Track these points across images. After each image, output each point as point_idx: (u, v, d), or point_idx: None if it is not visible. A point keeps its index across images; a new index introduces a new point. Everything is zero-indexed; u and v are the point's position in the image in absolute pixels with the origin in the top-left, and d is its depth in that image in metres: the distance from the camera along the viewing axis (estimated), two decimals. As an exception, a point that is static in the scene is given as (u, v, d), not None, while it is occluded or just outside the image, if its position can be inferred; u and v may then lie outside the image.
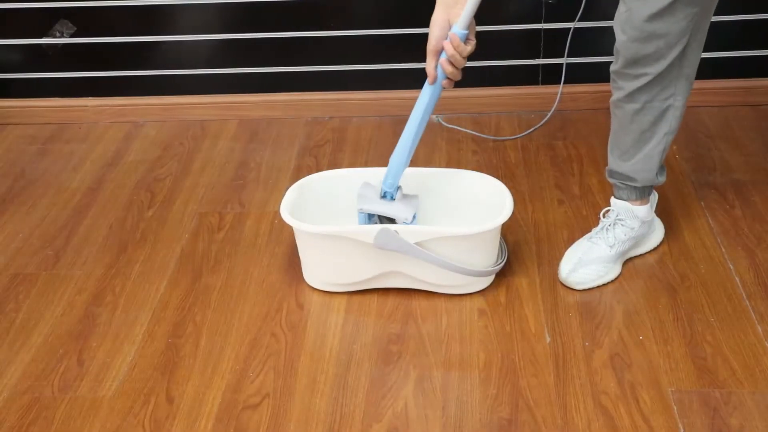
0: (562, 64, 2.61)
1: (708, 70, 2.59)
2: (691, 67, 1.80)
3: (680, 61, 1.77)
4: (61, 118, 2.74)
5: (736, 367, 1.71)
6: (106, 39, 2.65)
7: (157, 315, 1.91)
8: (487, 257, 1.91)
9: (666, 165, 2.35)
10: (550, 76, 2.64)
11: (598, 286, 1.91)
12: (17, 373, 1.77)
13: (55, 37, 2.64)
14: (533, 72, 2.65)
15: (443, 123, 2.61)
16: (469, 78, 2.66)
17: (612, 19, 2.67)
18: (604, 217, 1.96)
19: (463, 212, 2.02)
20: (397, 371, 1.74)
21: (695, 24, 1.72)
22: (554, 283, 1.94)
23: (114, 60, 2.68)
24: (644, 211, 1.94)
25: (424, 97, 1.83)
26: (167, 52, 2.67)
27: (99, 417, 1.66)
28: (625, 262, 1.98)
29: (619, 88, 1.82)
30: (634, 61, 1.75)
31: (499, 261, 1.94)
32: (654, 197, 1.98)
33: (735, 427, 1.58)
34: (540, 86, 2.66)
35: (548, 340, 1.79)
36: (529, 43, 2.60)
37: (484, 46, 2.62)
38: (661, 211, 2.12)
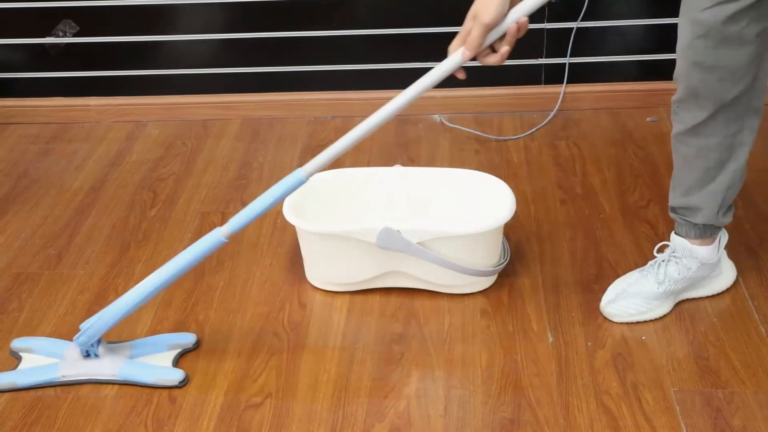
0: (564, 63, 2.61)
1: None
2: (760, 99, 1.66)
3: (748, 94, 1.63)
4: (63, 117, 2.74)
5: (738, 367, 1.71)
6: (108, 39, 2.65)
7: (160, 314, 1.91)
8: (489, 257, 1.91)
9: (669, 165, 2.34)
10: (553, 75, 2.64)
11: (637, 323, 1.81)
12: (20, 373, 1.77)
13: (57, 36, 2.64)
14: (536, 72, 2.65)
15: (446, 123, 2.61)
16: (471, 77, 2.66)
17: (614, 18, 2.67)
18: (659, 252, 1.84)
19: (466, 212, 2.02)
20: (400, 371, 1.74)
21: (764, 51, 1.59)
22: (556, 283, 1.94)
23: (116, 59, 2.68)
24: (705, 251, 1.79)
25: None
26: (170, 52, 2.67)
27: (101, 416, 1.66)
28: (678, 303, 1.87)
29: (680, 122, 1.69)
30: (695, 92, 1.63)
31: (502, 261, 1.94)
32: (723, 237, 1.84)
33: (738, 428, 1.58)
34: (543, 86, 2.66)
35: (551, 339, 1.79)
36: (531, 43, 2.60)
37: (487, 45, 2.63)
38: (663, 212, 2.13)
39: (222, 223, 2.19)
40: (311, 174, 1.62)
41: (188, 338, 1.81)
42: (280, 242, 2.12)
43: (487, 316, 1.87)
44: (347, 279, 1.93)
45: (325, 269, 1.94)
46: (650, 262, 1.85)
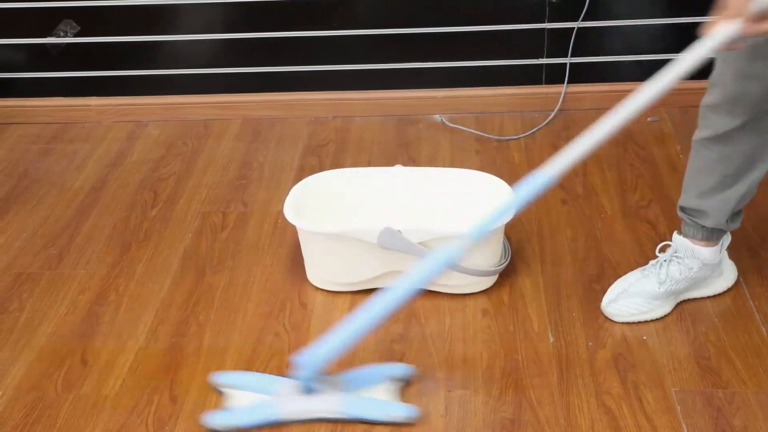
0: (565, 63, 2.60)
1: (710, 70, 2.59)
2: None
3: None
4: (64, 117, 2.74)
5: (739, 367, 1.70)
6: (109, 39, 2.65)
7: (161, 314, 1.91)
8: (490, 257, 1.91)
9: (670, 165, 2.34)
10: (554, 75, 2.64)
11: (638, 323, 1.81)
12: (21, 372, 1.77)
13: (58, 36, 2.64)
14: (537, 72, 2.64)
15: (447, 123, 2.61)
16: (472, 77, 2.67)
17: (615, 18, 2.66)
18: (660, 251, 1.84)
19: (467, 212, 2.02)
20: (401, 371, 1.74)
21: None
22: (557, 283, 1.94)
23: (117, 59, 2.68)
24: (708, 253, 1.78)
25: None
26: (170, 52, 2.67)
27: (102, 416, 1.66)
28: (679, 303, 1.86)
29: (709, 127, 1.67)
30: (732, 100, 1.61)
31: (503, 261, 1.94)
32: (726, 239, 1.82)
33: (738, 427, 1.58)
34: (543, 86, 2.66)
35: (551, 340, 1.79)
36: (532, 43, 2.60)
37: (488, 45, 2.63)
38: (665, 212, 2.12)
39: (223, 223, 2.20)
40: (557, 174, 1.53)
41: (404, 369, 1.70)
42: (281, 242, 2.12)
43: (488, 316, 1.87)
44: (348, 279, 1.93)
45: (326, 269, 1.94)
46: (651, 262, 1.85)
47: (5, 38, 2.66)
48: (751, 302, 1.86)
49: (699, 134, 1.71)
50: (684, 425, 1.59)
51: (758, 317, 1.82)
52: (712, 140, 1.68)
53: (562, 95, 2.62)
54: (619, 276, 1.90)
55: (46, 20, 2.62)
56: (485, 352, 1.77)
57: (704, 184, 1.73)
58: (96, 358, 1.80)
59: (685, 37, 2.53)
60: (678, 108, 2.59)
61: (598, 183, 2.29)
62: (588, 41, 2.58)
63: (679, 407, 1.62)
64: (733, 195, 1.72)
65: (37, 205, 2.32)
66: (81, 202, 2.33)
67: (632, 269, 1.92)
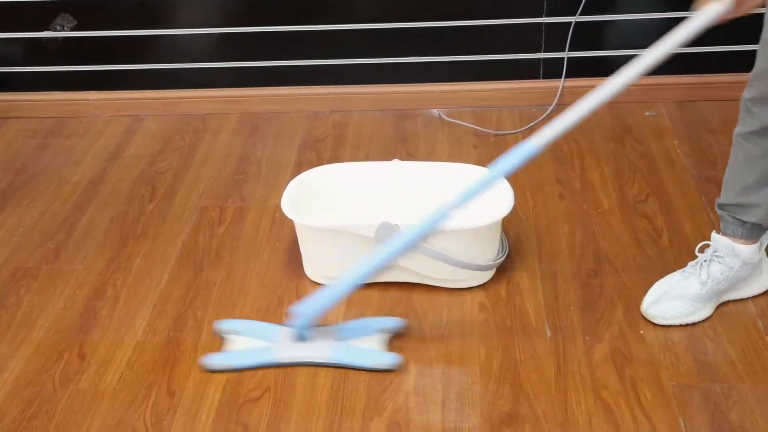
0: (563, 58, 2.60)
1: (708, 64, 2.59)
2: None
3: None
4: (62, 111, 2.74)
5: (736, 362, 1.71)
6: (107, 32, 2.64)
7: (158, 309, 1.91)
8: (487, 251, 1.91)
9: (667, 160, 2.34)
10: (552, 70, 2.63)
11: (681, 325, 1.79)
12: (19, 367, 1.77)
13: (56, 30, 2.64)
14: (534, 66, 2.64)
15: (444, 117, 2.61)
16: (470, 72, 2.67)
17: (614, 11, 2.66)
18: (700, 252, 1.82)
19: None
20: (398, 365, 1.74)
21: None
22: (555, 278, 1.94)
23: (115, 54, 2.68)
24: (748, 251, 1.77)
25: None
26: (168, 46, 2.66)
27: (100, 410, 1.66)
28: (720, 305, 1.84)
29: (756, 120, 1.66)
30: None
31: (500, 255, 1.94)
32: (766, 238, 1.80)
33: (735, 422, 1.58)
34: (541, 80, 2.66)
35: (549, 334, 1.79)
36: (530, 37, 2.60)
37: (485, 40, 2.63)
38: (662, 207, 2.12)
39: (221, 217, 2.21)
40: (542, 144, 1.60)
41: (396, 322, 1.82)
42: (278, 237, 2.12)
43: (486, 311, 1.87)
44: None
45: (324, 264, 1.94)
46: (690, 263, 1.82)
47: (2, 32, 2.66)
48: (749, 298, 1.86)
49: (741, 128, 1.70)
50: (681, 420, 1.59)
51: (755, 311, 1.83)
52: (757, 134, 1.67)
53: (560, 90, 2.62)
54: (616, 271, 1.91)
55: (43, 14, 2.61)
56: (482, 346, 1.77)
57: (746, 179, 1.72)
58: (93, 352, 1.80)
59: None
60: (676, 103, 2.59)
61: (596, 178, 2.29)
62: (586, 36, 2.58)
63: (676, 402, 1.62)
64: None
65: (35, 200, 2.32)
66: (79, 196, 2.33)
67: (630, 264, 1.92)
